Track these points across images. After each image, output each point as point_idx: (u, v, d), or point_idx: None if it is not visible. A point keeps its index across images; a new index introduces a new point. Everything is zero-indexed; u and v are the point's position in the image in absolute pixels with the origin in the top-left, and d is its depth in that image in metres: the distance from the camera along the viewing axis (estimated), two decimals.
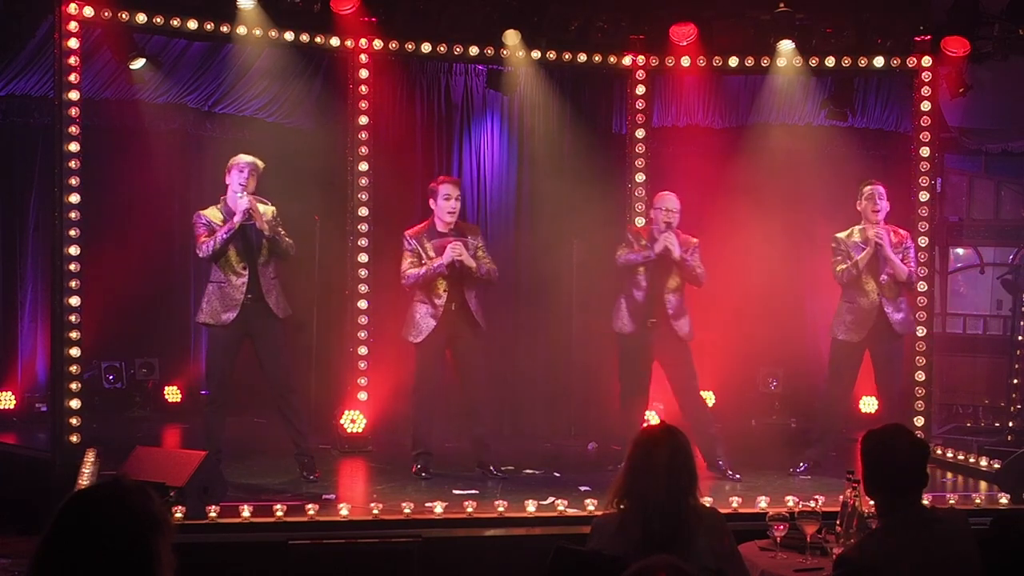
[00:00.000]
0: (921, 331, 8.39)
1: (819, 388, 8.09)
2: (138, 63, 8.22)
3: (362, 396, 8.33)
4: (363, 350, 8.35)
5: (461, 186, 7.88)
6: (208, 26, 7.93)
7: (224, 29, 7.99)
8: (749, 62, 8.77)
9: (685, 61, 8.67)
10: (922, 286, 8.42)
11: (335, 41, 8.33)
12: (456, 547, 5.87)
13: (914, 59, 8.51)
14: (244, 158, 7.04)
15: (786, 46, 8.59)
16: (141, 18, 7.67)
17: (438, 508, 6.09)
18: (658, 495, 3.41)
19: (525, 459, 7.86)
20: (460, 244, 7.24)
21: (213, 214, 7.00)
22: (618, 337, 7.60)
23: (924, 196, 8.51)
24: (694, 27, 8.48)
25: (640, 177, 8.77)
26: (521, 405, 9.44)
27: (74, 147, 7.35)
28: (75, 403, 7.30)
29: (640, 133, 8.83)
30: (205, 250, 6.90)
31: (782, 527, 4.27)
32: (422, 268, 7.26)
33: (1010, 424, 9.51)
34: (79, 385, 7.35)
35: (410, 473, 7.32)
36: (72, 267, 7.35)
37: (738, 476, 7.33)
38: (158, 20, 7.75)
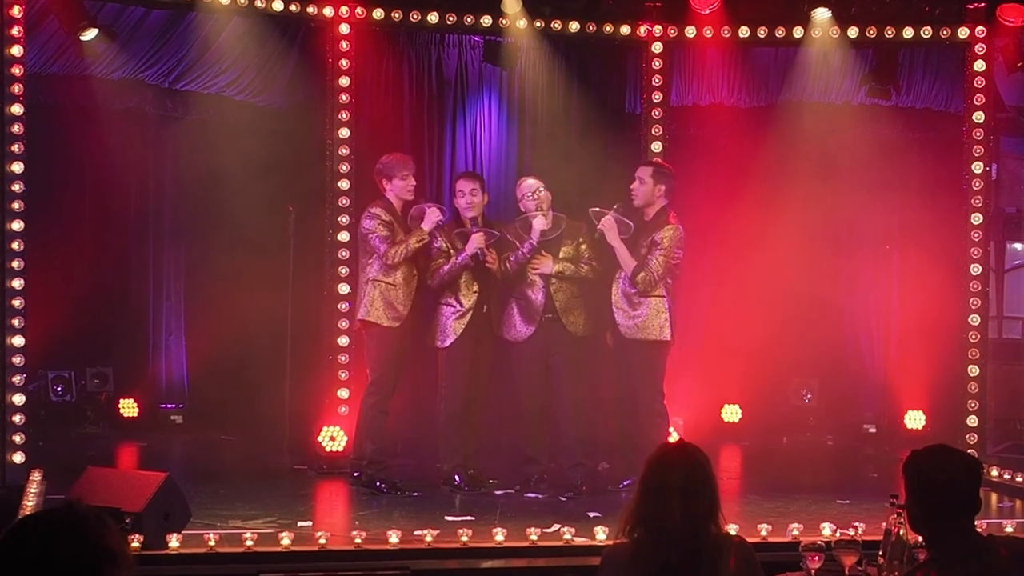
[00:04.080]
0: (974, 336, 8.41)
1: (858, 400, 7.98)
2: (89, 34, 8.24)
3: (343, 410, 8.32)
4: (343, 358, 8.36)
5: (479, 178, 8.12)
6: None
7: None
8: (780, 33, 8.79)
9: (707, 32, 8.69)
10: (975, 286, 8.44)
11: (312, 9, 8.34)
12: None
13: (966, 29, 8.53)
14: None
15: (821, 14, 8.60)
16: None
17: (428, 537, 6.09)
18: (674, 521, 3.40)
19: (526, 480, 7.88)
20: (482, 235, 7.54)
21: (384, 216, 7.50)
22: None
23: (977, 184, 8.52)
24: None
25: None
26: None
27: (17, 129, 7.34)
28: (18, 418, 7.31)
29: (656, 113, 8.84)
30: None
31: (817, 558, 4.27)
32: (447, 265, 7.61)
33: None
34: (23, 398, 7.36)
35: (399, 495, 7.46)
36: (15, 245, 7.27)
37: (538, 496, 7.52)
38: None
